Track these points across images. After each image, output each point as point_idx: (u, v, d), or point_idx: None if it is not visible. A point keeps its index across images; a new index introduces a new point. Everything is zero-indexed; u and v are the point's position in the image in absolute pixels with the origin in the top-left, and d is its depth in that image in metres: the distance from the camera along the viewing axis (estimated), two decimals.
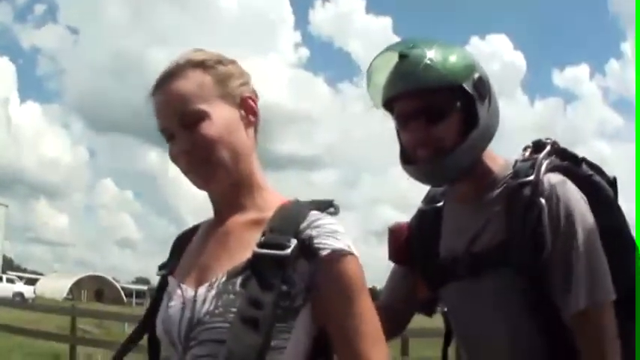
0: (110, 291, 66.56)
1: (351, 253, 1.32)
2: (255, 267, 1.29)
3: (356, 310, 1.29)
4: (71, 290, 58.79)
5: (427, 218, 2.01)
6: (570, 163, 1.84)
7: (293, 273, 1.29)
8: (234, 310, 1.27)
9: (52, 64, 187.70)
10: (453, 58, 1.76)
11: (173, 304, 1.38)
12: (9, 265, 70.51)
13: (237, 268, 1.32)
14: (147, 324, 1.54)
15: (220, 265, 1.36)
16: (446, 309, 2.01)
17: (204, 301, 1.32)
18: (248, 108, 1.46)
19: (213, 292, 1.32)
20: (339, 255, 1.30)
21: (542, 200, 1.69)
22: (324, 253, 1.29)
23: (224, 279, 1.33)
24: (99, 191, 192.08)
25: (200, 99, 1.39)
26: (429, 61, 1.73)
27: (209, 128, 1.38)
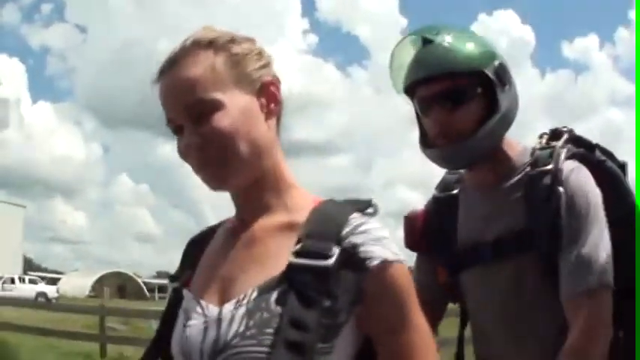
0: (132, 287, 67.14)
1: (400, 261, 1.17)
2: (293, 280, 1.11)
3: (409, 323, 1.16)
4: (93, 288, 59.29)
5: (443, 205, 2.02)
6: (585, 151, 1.87)
7: (336, 286, 1.11)
8: (269, 331, 1.10)
9: (61, 63, 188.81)
10: (475, 45, 1.81)
11: (193, 324, 1.20)
12: (29, 265, 71.17)
13: (271, 282, 1.13)
14: (160, 345, 1.33)
15: (248, 278, 1.17)
16: (464, 293, 2.00)
17: (231, 320, 1.14)
18: (269, 95, 1.26)
19: (243, 310, 1.13)
20: (389, 265, 1.14)
21: (561, 189, 1.74)
22: (374, 263, 1.13)
23: (255, 294, 1.14)
24: (115, 187, 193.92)
25: (211, 85, 1.20)
26: (452, 47, 1.78)
27: (223, 119, 1.18)
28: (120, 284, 66.39)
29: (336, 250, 1.12)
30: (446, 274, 1.99)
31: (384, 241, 1.16)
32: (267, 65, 1.28)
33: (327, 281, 1.10)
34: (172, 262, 1.48)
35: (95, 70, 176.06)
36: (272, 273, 1.14)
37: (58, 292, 42.83)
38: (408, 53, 1.85)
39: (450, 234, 1.96)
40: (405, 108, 1.95)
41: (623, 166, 1.91)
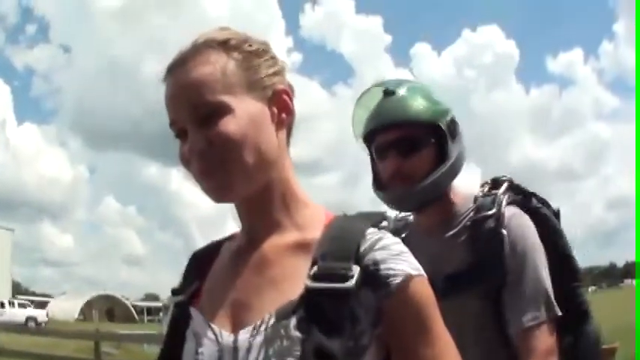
0: (121, 309, 66.73)
1: (421, 275, 1.11)
2: (312, 305, 1.04)
3: (433, 336, 1.10)
4: (82, 311, 58.79)
5: None
6: (523, 198, 2.04)
7: (357, 307, 1.05)
8: None
9: (46, 84, 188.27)
10: (431, 100, 1.99)
11: (206, 352, 1.12)
12: (17, 289, 70.39)
13: (289, 307, 1.06)
14: None
15: (263, 302, 1.10)
16: None
17: (248, 349, 1.07)
18: (281, 104, 1.19)
19: (261, 337, 1.06)
20: (412, 280, 1.08)
21: (504, 231, 1.90)
22: (397, 280, 1.07)
23: (272, 321, 1.06)
24: (101, 208, 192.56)
25: (221, 88, 1.12)
26: (410, 100, 1.96)
27: (230, 124, 1.10)
28: (108, 307, 65.84)
29: (356, 270, 1.06)
30: None
31: (404, 256, 1.11)
32: (280, 72, 1.21)
33: (348, 304, 1.04)
34: (160, 284, 1.41)
35: (80, 90, 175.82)
36: (289, 297, 1.07)
37: (47, 315, 42.45)
38: (370, 103, 2.01)
39: None
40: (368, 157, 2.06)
41: (557, 213, 2.08)
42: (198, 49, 1.15)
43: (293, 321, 1.05)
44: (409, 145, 1.95)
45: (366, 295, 1.06)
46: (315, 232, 1.14)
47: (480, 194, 2.04)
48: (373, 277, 1.07)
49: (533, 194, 2.06)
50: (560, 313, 1.86)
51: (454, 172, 2.00)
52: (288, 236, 1.16)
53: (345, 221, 1.16)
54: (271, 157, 1.16)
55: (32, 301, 52.18)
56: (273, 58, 1.22)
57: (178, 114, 1.13)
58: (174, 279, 1.33)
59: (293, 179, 1.22)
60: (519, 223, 1.93)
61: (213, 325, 1.13)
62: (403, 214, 2.20)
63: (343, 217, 1.19)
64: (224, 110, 1.10)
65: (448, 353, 1.12)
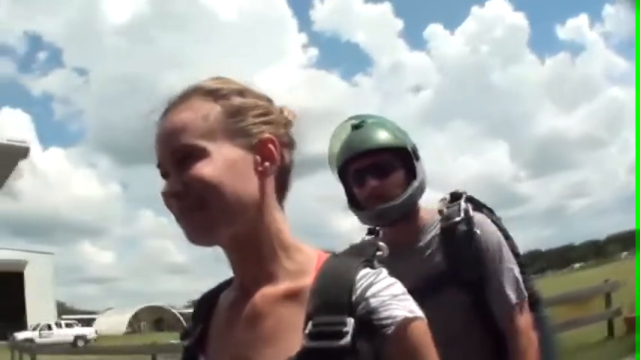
0: (169, 318, 66.95)
1: (418, 318, 1.12)
2: None
3: None
4: (130, 324, 59.67)
5: None
6: (479, 206, 2.35)
7: (357, 357, 1.06)
8: None
9: (67, 108, 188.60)
10: (394, 128, 2.29)
11: None
12: (63, 309, 71.14)
13: None
14: None
15: (262, 358, 1.11)
16: None
17: None
18: (265, 152, 1.18)
19: None
20: (406, 325, 1.09)
21: (478, 231, 2.21)
22: (391, 330, 1.09)
23: None
24: (137, 222, 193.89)
25: (201, 133, 1.14)
26: (378, 130, 2.25)
27: (205, 168, 1.11)
28: (156, 318, 66.35)
29: (350, 323, 1.07)
30: None
31: (398, 299, 1.12)
32: (271, 122, 1.22)
33: (344, 358, 1.06)
34: (204, 289, 1.41)
35: (101, 110, 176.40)
36: (286, 354, 1.08)
37: (96, 332, 42.64)
38: (342, 136, 2.29)
39: None
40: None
41: (499, 218, 2.42)
42: (185, 96, 1.20)
43: None
44: (382, 169, 2.22)
45: (362, 345, 1.07)
46: (307, 278, 1.15)
47: (444, 207, 2.32)
48: (368, 326, 1.08)
49: (484, 204, 2.39)
50: (526, 297, 2.23)
51: (423, 187, 2.29)
52: (281, 285, 1.17)
53: (336, 265, 1.16)
54: (250, 204, 1.16)
55: (80, 320, 52.65)
56: (267, 108, 1.23)
57: (162, 157, 1.18)
58: (216, 283, 1.37)
59: (282, 226, 1.21)
60: (488, 224, 2.25)
61: None
62: (368, 234, 2.45)
63: (334, 259, 1.18)
64: (200, 154, 1.13)
65: None
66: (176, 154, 1.14)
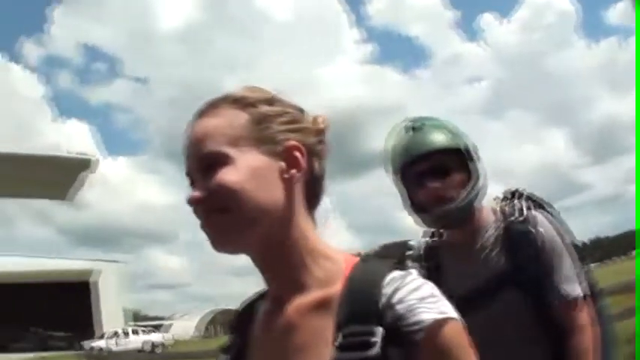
0: None
1: (448, 319, 1.08)
2: None
3: None
4: (206, 328, 60.54)
5: (428, 274, 2.22)
6: (537, 204, 2.37)
7: None
8: None
9: (128, 116, 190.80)
10: (453, 129, 2.31)
11: None
12: (135, 316, 71.35)
13: None
14: None
15: None
16: None
17: None
18: (291, 160, 1.18)
19: None
20: (435, 329, 1.06)
21: (536, 230, 2.24)
22: (420, 336, 1.06)
23: None
24: None
25: (226, 140, 1.15)
26: (435, 132, 2.28)
27: (228, 175, 1.13)
28: (229, 320, 65.86)
29: (378, 332, 1.06)
30: None
31: (427, 303, 1.09)
32: (299, 130, 1.21)
33: None
34: None
35: (164, 117, 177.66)
36: None
37: (173, 338, 42.21)
38: (398, 140, 2.32)
39: None
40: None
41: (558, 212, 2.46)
42: (213, 105, 1.21)
43: None
44: (442, 171, 2.24)
45: (393, 354, 1.06)
46: (336, 286, 1.14)
47: (502, 205, 2.37)
48: (397, 335, 1.06)
49: (542, 200, 2.39)
50: (588, 292, 2.25)
51: (483, 187, 2.29)
52: (311, 295, 1.17)
53: (364, 271, 1.15)
54: (274, 211, 1.16)
55: (154, 326, 52.46)
56: (295, 116, 1.23)
57: (189, 165, 1.19)
58: None
59: (311, 233, 1.21)
60: (547, 223, 2.27)
61: None
62: (428, 234, 2.49)
63: (362, 264, 1.17)
64: (224, 161, 1.14)
65: None
66: (202, 162, 1.16)
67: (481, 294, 2.23)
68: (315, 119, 1.25)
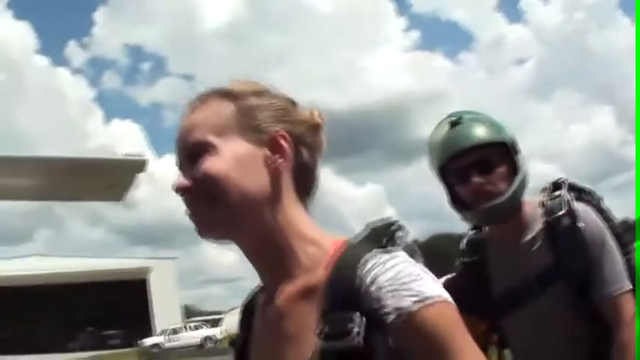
0: None
1: (431, 302, 1.04)
2: None
3: None
4: None
5: (474, 268, 2.39)
6: (583, 194, 2.32)
7: (372, 354, 1.03)
8: None
9: (177, 114, 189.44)
10: (494, 122, 2.29)
11: None
12: (189, 312, 72.07)
13: None
14: None
15: None
16: (506, 337, 2.42)
17: None
18: (276, 148, 1.19)
19: None
20: (417, 313, 1.03)
21: (581, 225, 2.20)
22: (399, 322, 1.03)
23: None
24: None
25: (212, 130, 1.18)
26: (477, 125, 2.24)
27: (213, 163, 1.15)
28: None
29: (357, 319, 1.05)
30: (485, 325, 2.31)
31: (404, 286, 1.06)
32: (287, 121, 1.22)
33: (359, 356, 1.03)
34: None
35: None
36: (305, 356, 1.08)
37: (226, 332, 43.03)
38: (441, 135, 2.27)
39: (484, 290, 2.33)
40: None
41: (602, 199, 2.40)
42: (202, 97, 1.24)
43: None
44: (485, 165, 2.20)
45: (376, 338, 1.04)
46: (321, 271, 1.13)
47: (545, 199, 2.29)
48: (376, 320, 1.05)
49: (589, 191, 2.34)
50: (630, 286, 2.22)
51: (526, 181, 2.27)
52: (297, 282, 1.16)
53: (346, 254, 1.14)
54: (259, 198, 1.17)
55: (207, 321, 52.94)
56: (284, 107, 1.24)
57: (178, 155, 1.22)
58: None
59: (298, 220, 1.20)
60: (591, 216, 2.23)
61: None
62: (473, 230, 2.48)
63: (348, 248, 1.15)
64: (209, 150, 1.16)
65: None
66: (189, 152, 1.18)
67: (527, 290, 2.24)
68: (311, 113, 1.26)
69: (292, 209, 1.20)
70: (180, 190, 1.18)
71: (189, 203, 1.18)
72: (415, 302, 1.03)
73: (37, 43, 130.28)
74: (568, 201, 2.24)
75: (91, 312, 45.70)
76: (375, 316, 1.04)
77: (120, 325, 45.18)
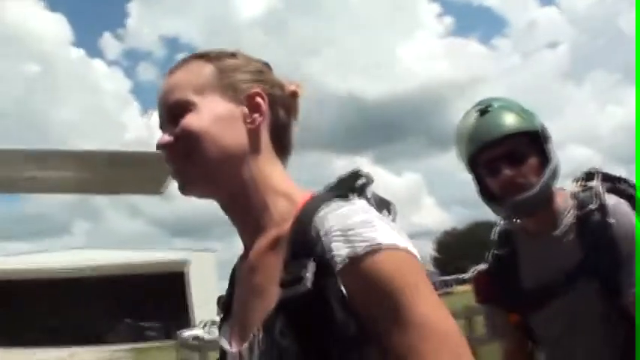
0: None
1: (380, 248, 1.04)
2: (288, 312, 1.07)
3: (403, 320, 1.02)
4: None
5: (504, 260, 2.32)
6: (617, 185, 2.23)
7: (328, 301, 1.04)
8: None
9: None
10: (522, 110, 2.17)
11: None
12: None
13: (270, 317, 1.10)
14: None
15: (254, 315, 1.15)
16: (535, 331, 2.32)
17: None
18: (253, 105, 1.23)
19: (256, 352, 1.13)
20: (363, 259, 1.04)
21: (612, 220, 2.10)
22: (347, 267, 1.04)
23: (262, 334, 1.11)
24: None
25: (191, 89, 1.21)
26: (506, 114, 2.13)
27: (193, 120, 1.19)
28: None
29: (311, 267, 1.06)
30: (517, 317, 2.30)
31: (352, 232, 1.06)
32: (263, 81, 1.27)
33: (315, 303, 1.05)
34: None
35: None
36: (270, 305, 1.10)
37: None
38: (469, 125, 2.16)
39: (514, 282, 2.27)
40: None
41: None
42: (183, 61, 1.28)
43: (277, 330, 1.08)
44: (516, 156, 2.09)
45: (328, 284, 1.05)
46: (288, 224, 1.15)
47: (577, 189, 2.22)
48: (327, 265, 1.06)
49: (624, 179, 2.25)
50: None
51: (557, 171, 2.16)
52: (268, 235, 1.19)
53: (309, 206, 1.15)
54: (238, 154, 1.20)
55: None
56: (258, 68, 1.28)
57: (160, 116, 1.25)
58: None
59: (275, 175, 1.23)
60: (624, 211, 2.12)
61: (226, 342, 1.26)
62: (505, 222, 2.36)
63: (311, 199, 1.17)
64: (189, 108, 1.20)
65: (424, 339, 1.02)
66: (170, 111, 1.21)
67: (558, 283, 2.17)
68: (289, 82, 1.31)
69: (268, 165, 1.23)
70: (162, 146, 1.20)
71: (170, 160, 1.21)
72: (364, 248, 1.04)
73: (72, 35, 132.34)
74: (600, 194, 2.15)
75: (131, 304, 46.14)
76: (326, 262, 1.05)
77: (159, 317, 45.40)
